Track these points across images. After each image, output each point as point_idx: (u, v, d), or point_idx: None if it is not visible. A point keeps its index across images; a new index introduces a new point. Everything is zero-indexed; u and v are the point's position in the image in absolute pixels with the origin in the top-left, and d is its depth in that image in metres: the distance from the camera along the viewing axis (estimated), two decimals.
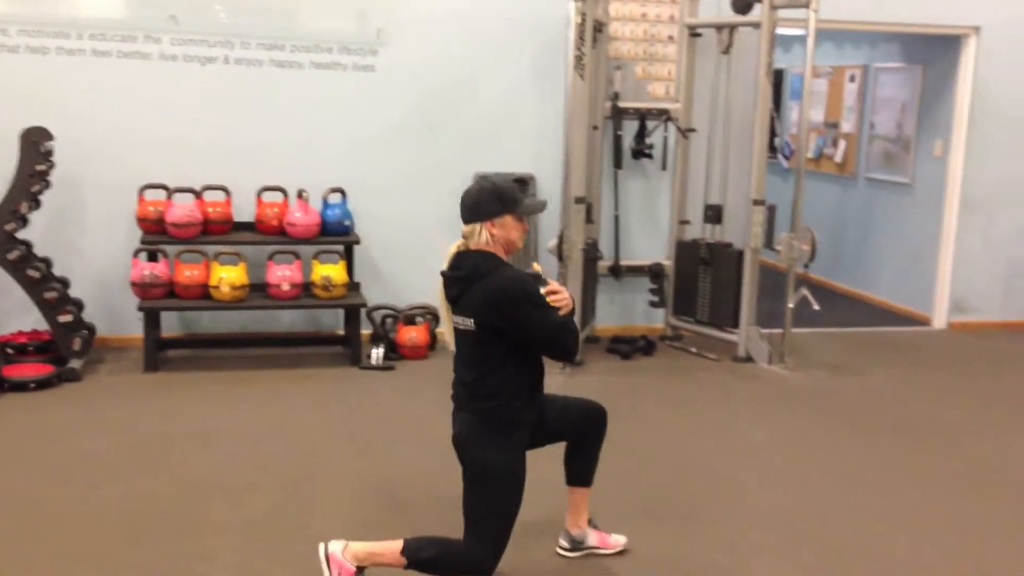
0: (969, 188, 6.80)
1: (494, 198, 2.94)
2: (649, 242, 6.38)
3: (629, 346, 5.96)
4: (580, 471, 3.28)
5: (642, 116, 6.19)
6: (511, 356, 2.94)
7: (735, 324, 5.98)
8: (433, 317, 5.93)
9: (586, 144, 5.72)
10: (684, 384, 5.48)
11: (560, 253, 5.48)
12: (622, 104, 6.16)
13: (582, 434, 3.25)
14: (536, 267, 3.07)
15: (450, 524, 3.51)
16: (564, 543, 3.36)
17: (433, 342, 5.86)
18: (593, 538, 3.37)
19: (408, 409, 4.89)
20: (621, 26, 6.17)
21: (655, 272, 6.27)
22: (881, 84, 7.69)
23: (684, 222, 6.34)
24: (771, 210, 5.86)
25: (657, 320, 6.43)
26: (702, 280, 6.16)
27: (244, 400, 4.94)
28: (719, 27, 6.12)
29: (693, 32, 6.19)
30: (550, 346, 2.94)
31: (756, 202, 5.80)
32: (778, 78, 8.81)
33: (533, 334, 2.89)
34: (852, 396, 5.35)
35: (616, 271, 6.25)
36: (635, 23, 6.19)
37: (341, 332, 5.81)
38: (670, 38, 6.23)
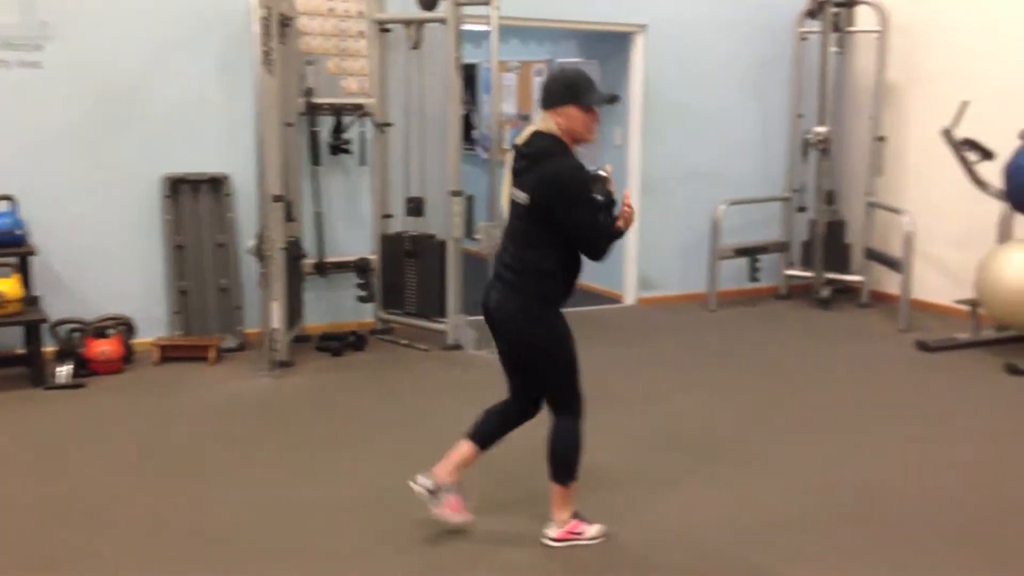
0: (647, 173, 7.39)
1: (561, 87, 3.11)
2: (353, 237, 6.37)
3: (339, 342, 5.93)
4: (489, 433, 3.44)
5: (337, 111, 6.16)
6: (554, 239, 3.13)
7: (442, 313, 6.13)
8: (127, 328, 5.58)
9: (281, 141, 5.62)
10: (396, 376, 5.54)
11: (260, 253, 5.33)
12: (316, 100, 6.09)
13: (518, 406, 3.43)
14: (607, 169, 3.18)
15: (145, 541, 3.35)
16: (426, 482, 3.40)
17: (129, 354, 5.52)
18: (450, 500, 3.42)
19: (99, 427, 4.58)
20: (310, 20, 6.10)
21: (361, 267, 6.28)
22: None
23: (387, 216, 6.39)
24: (469, 200, 6.05)
25: (367, 315, 6.44)
26: (408, 272, 6.25)
27: None
28: (407, 23, 6.22)
29: (382, 27, 6.24)
30: (586, 244, 3.13)
31: (454, 193, 5.96)
32: (472, 72, 9.11)
33: (574, 230, 3.09)
34: None
35: (321, 268, 6.19)
36: (323, 18, 6.15)
37: (21, 351, 5.32)
38: (360, 33, 6.25)
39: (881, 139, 7.36)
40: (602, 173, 3.18)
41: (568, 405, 3.32)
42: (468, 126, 9.04)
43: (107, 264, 5.67)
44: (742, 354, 6.19)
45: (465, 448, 3.41)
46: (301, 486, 3.90)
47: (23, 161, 5.41)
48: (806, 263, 7.71)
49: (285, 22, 5.76)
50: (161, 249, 5.82)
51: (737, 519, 3.69)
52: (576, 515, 3.44)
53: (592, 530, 3.44)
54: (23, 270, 5.21)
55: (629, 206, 3.17)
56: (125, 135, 5.66)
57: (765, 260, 7.59)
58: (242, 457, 4.23)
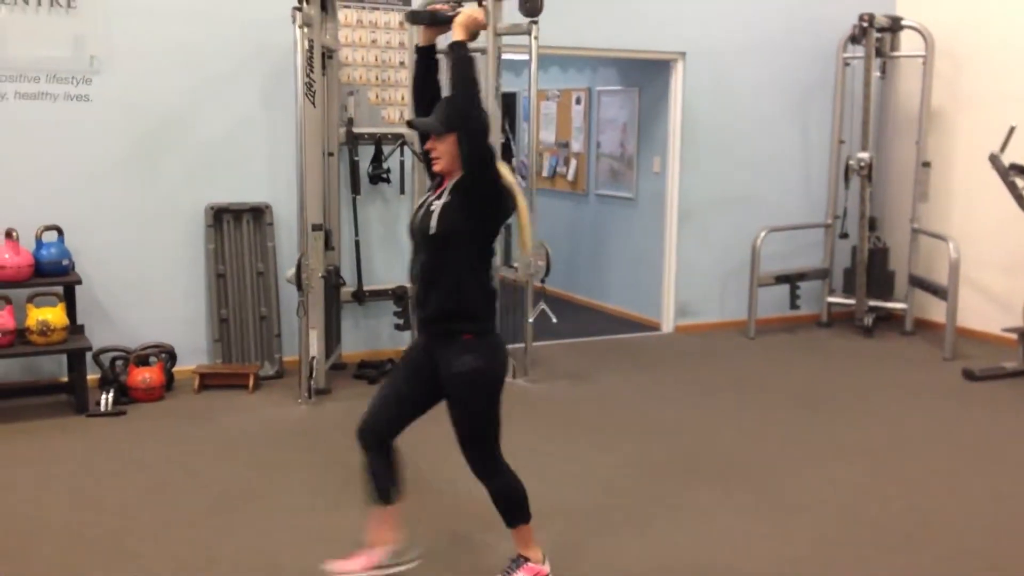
0: (685, 200, 7.35)
1: None
2: (391, 265, 6.41)
3: (376, 371, 5.96)
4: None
5: (378, 141, 6.23)
6: None
7: None
8: (168, 356, 5.67)
9: (322, 171, 5.69)
10: None
11: (299, 282, 5.39)
12: (357, 130, 6.17)
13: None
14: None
15: (183, 571, 3.36)
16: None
17: (169, 382, 5.60)
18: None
19: (138, 455, 4.62)
20: (352, 52, 6.19)
21: (399, 295, 6.31)
22: (604, 106, 8.17)
23: None
24: (508, 228, 6.06)
25: (403, 343, 6.45)
26: None
27: None
28: (448, 54, 6.26)
29: None
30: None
31: None
32: (512, 101, 9.16)
33: None
34: (589, 402, 5.63)
35: (359, 296, 6.24)
36: (365, 49, 6.23)
37: (65, 379, 5.42)
38: (401, 64, 6.32)
39: (926, 164, 7.25)
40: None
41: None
42: (507, 154, 9.08)
43: (150, 293, 5.77)
44: (780, 382, 6.11)
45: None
46: (339, 514, 3.91)
47: (70, 192, 5.53)
48: (848, 290, 7.60)
49: (328, 54, 5.84)
50: (203, 278, 5.91)
51: (763, 549, 3.63)
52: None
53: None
54: (68, 299, 5.31)
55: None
56: (170, 166, 5.77)
57: (806, 287, 7.50)
58: (280, 485, 4.25)
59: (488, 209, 2.92)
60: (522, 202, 3.04)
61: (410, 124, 3.09)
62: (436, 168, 2.95)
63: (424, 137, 3.01)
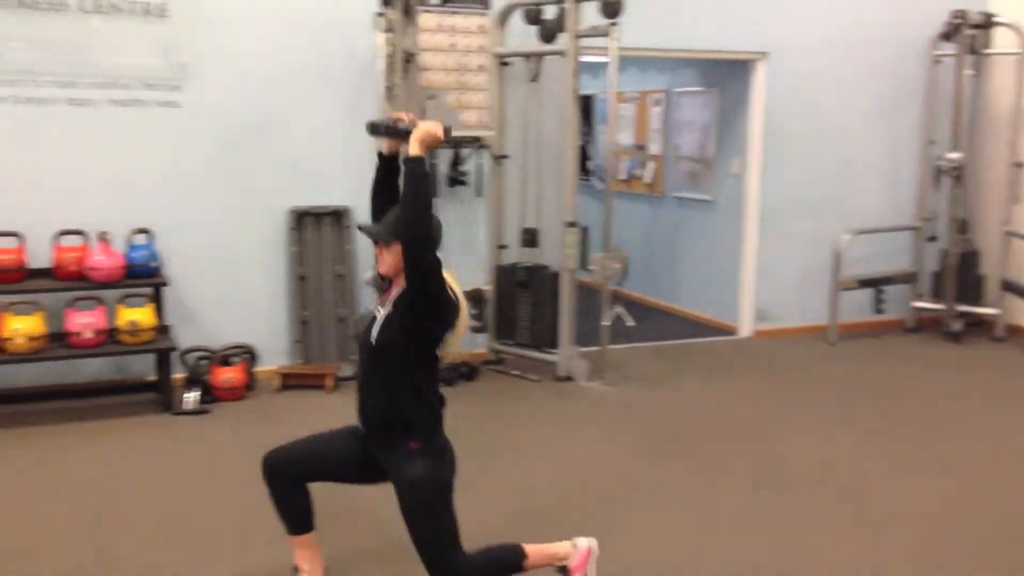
0: (765, 203, 7.23)
1: None
2: (468, 268, 6.43)
3: (451, 372, 6.01)
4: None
5: (456, 144, 6.27)
6: None
7: (555, 344, 6.14)
8: (250, 356, 5.80)
9: (400, 174, 5.74)
10: (506, 407, 5.57)
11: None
12: None
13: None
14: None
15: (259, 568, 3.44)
16: None
17: (251, 381, 5.74)
18: None
19: (220, 453, 4.76)
20: (431, 56, 6.24)
21: (475, 297, 6.34)
22: (683, 107, 8.08)
23: (502, 247, 6.46)
24: (584, 231, 6.06)
25: (479, 345, 6.50)
26: (521, 303, 6.29)
27: (42, 458, 4.66)
28: (527, 56, 6.29)
29: (502, 61, 6.33)
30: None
31: (569, 224, 5.98)
32: (589, 103, 9.13)
33: None
34: (664, 407, 5.59)
35: None
36: (445, 53, 6.28)
37: (152, 378, 5.60)
38: (480, 67, 6.35)
39: (1019, 165, 7.00)
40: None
41: None
42: (584, 157, 9.06)
43: (234, 294, 5.91)
44: (862, 389, 5.96)
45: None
46: None
47: (159, 196, 5.70)
48: (936, 295, 7.38)
49: (408, 58, 5.90)
50: (285, 280, 6.04)
51: (839, 561, 3.55)
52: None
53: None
54: (156, 300, 5.49)
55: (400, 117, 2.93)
56: (255, 170, 5.90)
57: (892, 291, 7.30)
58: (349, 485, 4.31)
59: (428, 323, 2.86)
60: (464, 314, 2.96)
61: (360, 228, 3.09)
62: (379, 270, 2.95)
63: (375, 240, 2.99)
